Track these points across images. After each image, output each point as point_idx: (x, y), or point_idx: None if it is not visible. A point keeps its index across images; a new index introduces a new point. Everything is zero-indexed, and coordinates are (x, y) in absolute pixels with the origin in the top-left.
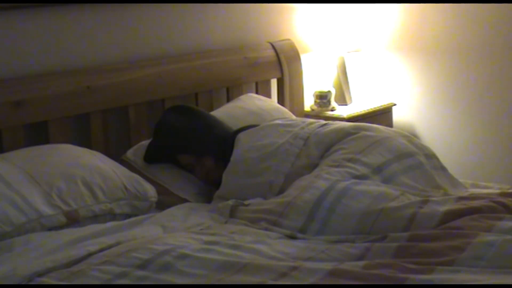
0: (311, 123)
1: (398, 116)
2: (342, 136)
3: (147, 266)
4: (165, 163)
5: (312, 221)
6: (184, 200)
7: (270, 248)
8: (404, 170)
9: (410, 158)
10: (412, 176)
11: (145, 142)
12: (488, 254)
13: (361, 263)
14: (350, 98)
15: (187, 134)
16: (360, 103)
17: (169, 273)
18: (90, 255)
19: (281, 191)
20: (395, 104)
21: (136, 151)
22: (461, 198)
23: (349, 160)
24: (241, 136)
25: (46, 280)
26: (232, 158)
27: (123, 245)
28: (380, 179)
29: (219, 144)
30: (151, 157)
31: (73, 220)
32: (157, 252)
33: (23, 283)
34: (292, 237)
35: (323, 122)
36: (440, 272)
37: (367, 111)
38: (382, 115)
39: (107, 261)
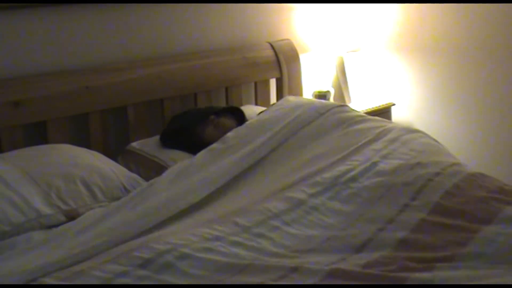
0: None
1: (397, 116)
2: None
3: (148, 265)
4: (180, 146)
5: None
6: None
7: (272, 243)
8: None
9: None
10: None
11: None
12: (489, 250)
13: (362, 261)
14: (349, 98)
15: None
16: (359, 103)
17: (170, 273)
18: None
19: None
20: (394, 104)
21: (142, 143)
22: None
23: None
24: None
25: (47, 280)
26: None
27: (125, 245)
28: None
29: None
30: (168, 136)
31: (72, 219)
32: (158, 251)
33: (24, 283)
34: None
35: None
36: (440, 269)
37: (366, 111)
38: (381, 115)
39: (109, 260)
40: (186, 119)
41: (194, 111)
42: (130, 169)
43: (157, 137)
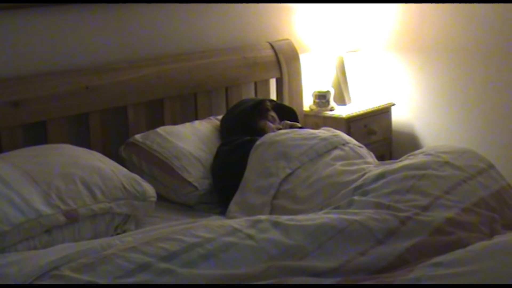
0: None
1: (397, 116)
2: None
3: (172, 260)
4: (240, 131)
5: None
6: (190, 184)
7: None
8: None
9: None
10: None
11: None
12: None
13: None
14: (349, 98)
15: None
16: (359, 103)
17: (192, 270)
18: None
19: None
20: (394, 104)
21: (144, 136)
22: None
23: None
24: None
25: (64, 270)
26: None
27: (152, 233)
28: None
29: None
30: (227, 126)
31: (72, 219)
32: (184, 245)
33: (47, 271)
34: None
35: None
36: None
37: (366, 111)
38: (381, 115)
39: (134, 247)
40: (243, 106)
41: (250, 100)
42: (132, 161)
43: (157, 130)
